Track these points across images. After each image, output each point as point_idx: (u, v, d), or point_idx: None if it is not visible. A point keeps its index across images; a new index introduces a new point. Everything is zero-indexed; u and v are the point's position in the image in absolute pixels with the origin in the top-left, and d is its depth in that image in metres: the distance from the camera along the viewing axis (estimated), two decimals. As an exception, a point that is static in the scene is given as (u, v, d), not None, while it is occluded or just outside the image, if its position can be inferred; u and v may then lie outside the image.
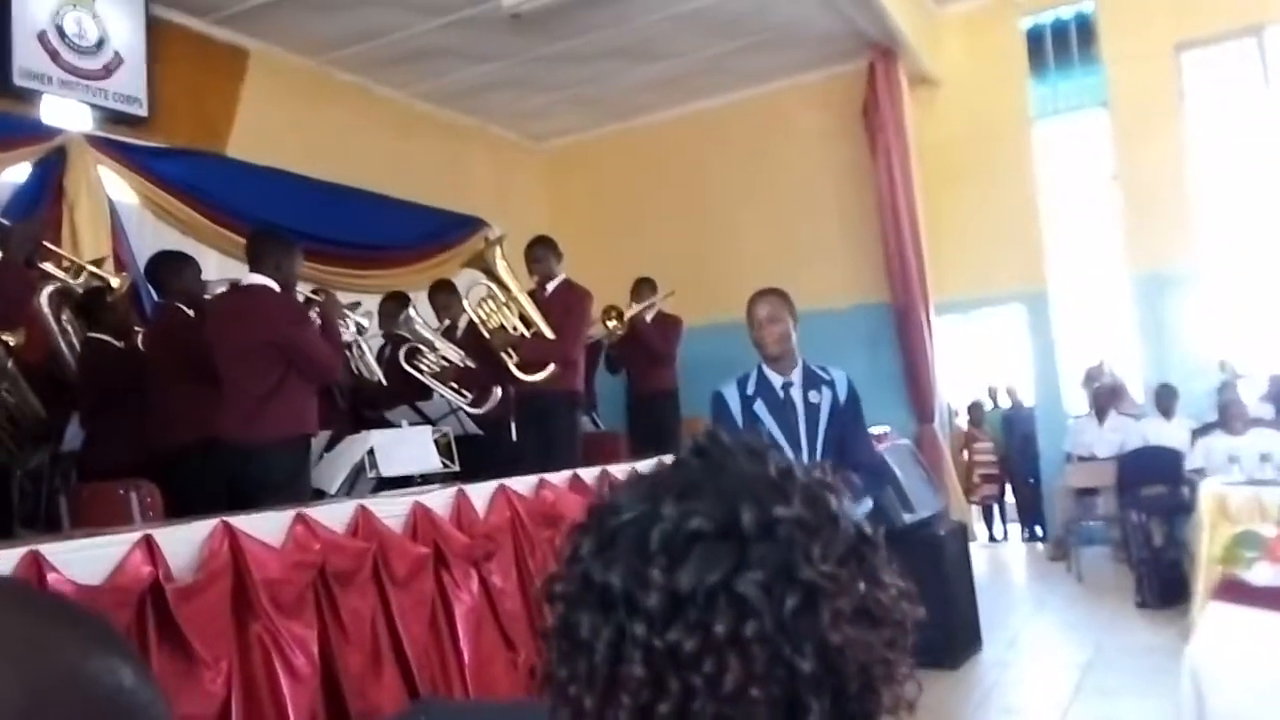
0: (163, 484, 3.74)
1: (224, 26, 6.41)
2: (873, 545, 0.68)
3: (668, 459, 0.73)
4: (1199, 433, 6.51)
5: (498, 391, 5.12)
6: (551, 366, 4.78)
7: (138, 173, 5.78)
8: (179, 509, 3.63)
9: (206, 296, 4.38)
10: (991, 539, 8.56)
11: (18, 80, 5.24)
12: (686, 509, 0.62)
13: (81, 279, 4.42)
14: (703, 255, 8.23)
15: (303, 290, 4.48)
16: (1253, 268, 7.32)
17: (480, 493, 3.48)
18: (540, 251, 5.09)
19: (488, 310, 4.91)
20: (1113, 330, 7.87)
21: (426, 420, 4.95)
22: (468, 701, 3.00)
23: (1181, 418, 6.87)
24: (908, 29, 7.32)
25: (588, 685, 0.62)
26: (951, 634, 4.67)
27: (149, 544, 2.29)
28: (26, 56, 5.28)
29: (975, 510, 8.42)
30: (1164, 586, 5.52)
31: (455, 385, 4.99)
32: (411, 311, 5.31)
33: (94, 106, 5.62)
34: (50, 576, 2.07)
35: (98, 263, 4.61)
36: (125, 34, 5.77)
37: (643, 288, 6.75)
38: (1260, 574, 2.82)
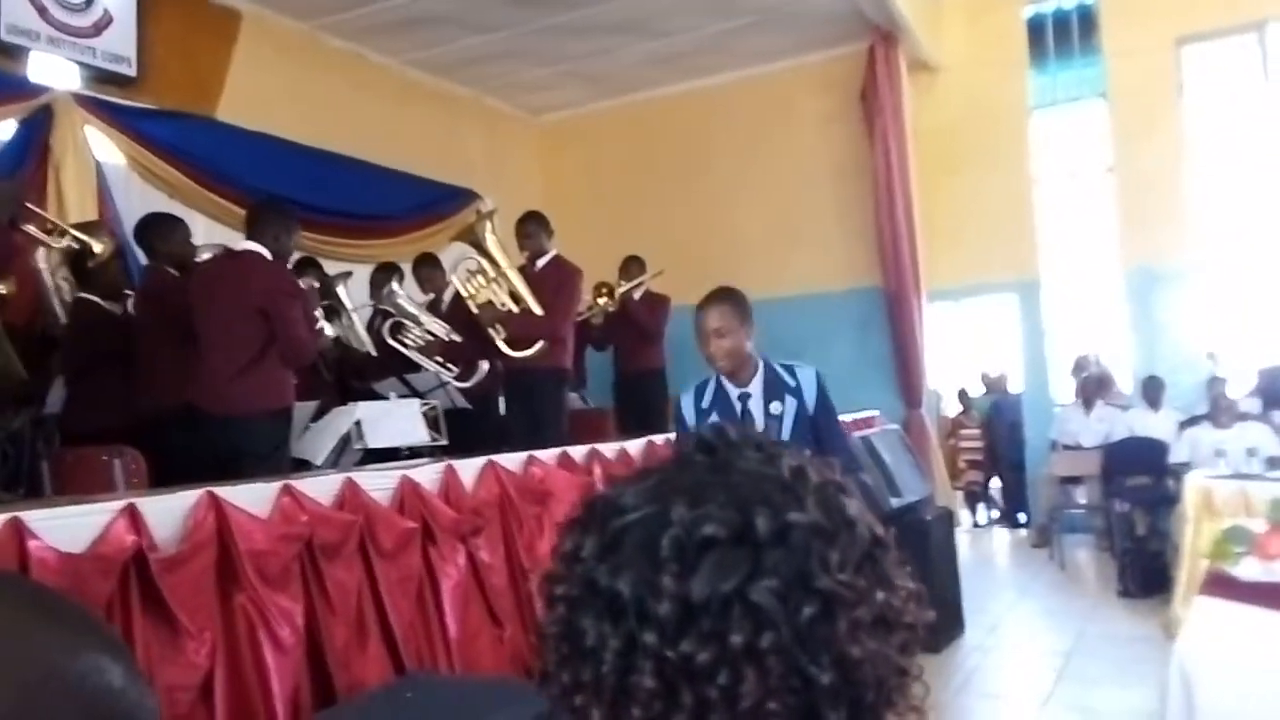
0: (145, 449, 3.71)
1: (216, -13, 6.29)
2: (884, 547, 0.66)
3: (659, 445, 0.70)
4: (1186, 425, 6.55)
5: (484, 365, 5.09)
6: (540, 343, 4.75)
7: (125, 133, 5.68)
8: (162, 475, 3.60)
9: (196, 260, 4.33)
10: (975, 525, 8.62)
11: (5, 36, 5.13)
12: (698, 514, 0.60)
13: (65, 241, 4.36)
14: (696, 234, 8.19)
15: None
16: (1246, 263, 7.34)
17: (469, 468, 3.46)
18: (532, 227, 5.04)
19: (476, 285, 4.86)
20: (1103, 321, 7.90)
21: (415, 393, 4.91)
22: (453, 676, 2.98)
23: (1168, 410, 6.92)
24: (909, 13, 7.27)
25: (595, 695, 0.59)
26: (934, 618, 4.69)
27: (133, 513, 2.25)
28: (14, 11, 5.17)
29: (959, 496, 8.47)
30: (1146, 576, 5.57)
31: (440, 359, 4.96)
32: (395, 285, 5.26)
33: (82, 65, 5.51)
34: (31, 544, 2.03)
35: (90, 225, 4.55)
36: (115, -9, 5.66)
37: (631, 266, 6.72)
38: (1248, 569, 2.83)
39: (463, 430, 4.66)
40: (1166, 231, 7.32)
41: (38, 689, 0.41)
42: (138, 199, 5.60)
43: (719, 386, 2.95)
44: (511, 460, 3.68)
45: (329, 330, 4.51)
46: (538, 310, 4.78)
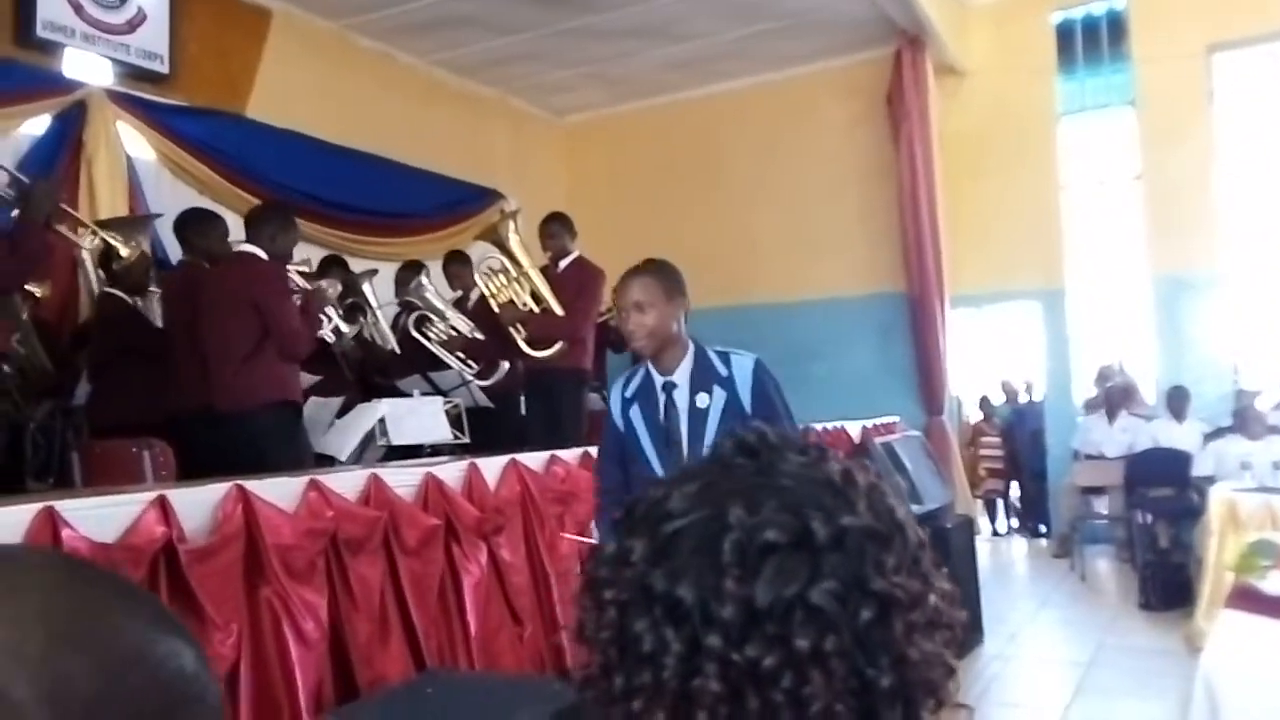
0: (171, 442, 3.75)
1: (247, -14, 6.36)
2: (926, 549, 0.67)
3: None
4: (1211, 436, 6.48)
5: (505, 365, 5.11)
6: (560, 344, 4.77)
7: (157, 130, 5.76)
8: (185, 468, 3.64)
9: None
10: (995, 533, 8.57)
11: (40, 32, 5.21)
12: (757, 519, 0.60)
13: (95, 241, 4.43)
14: (719, 237, 8.19)
15: (305, 269, 4.50)
16: (1276, 273, 7.26)
17: (492, 466, 3.47)
18: (555, 228, 5.06)
19: (498, 284, 4.89)
20: (1129, 331, 7.83)
21: (438, 391, 4.94)
22: (473, 673, 3.00)
23: (1193, 421, 6.84)
24: (936, 17, 7.24)
25: (655, 698, 0.59)
26: (954, 626, 4.67)
27: (163, 504, 2.28)
28: (50, 8, 5.25)
29: (979, 504, 8.43)
30: (1168, 589, 5.51)
31: (462, 356, 4.99)
32: (424, 279, 5.31)
33: (115, 61, 5.59)
34: (64, 533, 2.07)
35: (126, 224, 4.62)
36: (149, -11, 5.73)
37: (651, 269, 6.69)
38: (1275, 583, 2.81)
39: (485, 429, 4.69)
40: (1194, 240, 7.25)
41: (126, 671, 0.42)
42: (168, 194, 5.68)
43: (646, 375, 2.66)
44: (534, 459, 3.70)
45: (347, 329, 4.55)
46: (559, 311, 4.80)
